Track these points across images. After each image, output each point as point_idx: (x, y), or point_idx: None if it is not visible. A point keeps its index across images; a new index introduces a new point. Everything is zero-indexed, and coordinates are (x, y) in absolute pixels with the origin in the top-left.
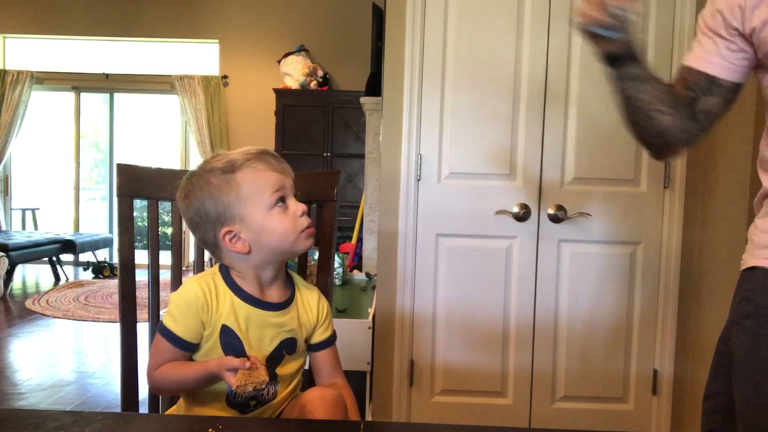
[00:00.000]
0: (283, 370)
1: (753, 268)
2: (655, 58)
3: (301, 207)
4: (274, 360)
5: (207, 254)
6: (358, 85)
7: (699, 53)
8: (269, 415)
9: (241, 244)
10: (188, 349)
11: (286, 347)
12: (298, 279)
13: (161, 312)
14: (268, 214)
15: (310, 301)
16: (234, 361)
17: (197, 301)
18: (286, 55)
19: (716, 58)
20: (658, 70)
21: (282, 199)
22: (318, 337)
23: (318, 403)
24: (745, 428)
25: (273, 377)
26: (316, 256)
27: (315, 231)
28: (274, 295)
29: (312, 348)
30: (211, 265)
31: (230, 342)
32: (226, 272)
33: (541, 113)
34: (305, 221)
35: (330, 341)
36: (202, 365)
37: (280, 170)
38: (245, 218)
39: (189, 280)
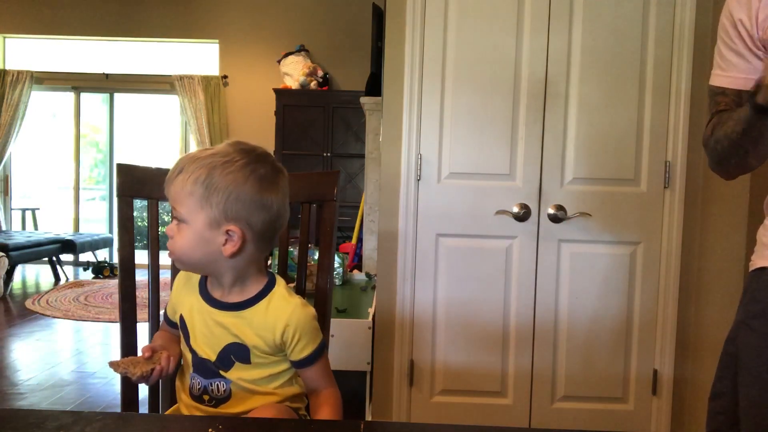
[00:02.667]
0: (236, 374)
1: (762, 269)
2: (655, 56)
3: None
4: (221, 362)
5: None
6: (358, 85)
7: (734, 73)
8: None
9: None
10: (169, 324)
11: (234, 353)
12: (279, 291)
13: (161, 312)
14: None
15: (277, 317)
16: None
17: (176, 282)
18: (286, 55)
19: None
20: (658, 68)
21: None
22: (296, 356)
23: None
24: (749, 429)
25: (216, 375)
26: (316, 256)
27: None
28: (233, 296)
29: (294, 365)
30: None
31: (183, 331)
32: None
33: (541, 113)
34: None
35: (312, 359)
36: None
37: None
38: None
39: None
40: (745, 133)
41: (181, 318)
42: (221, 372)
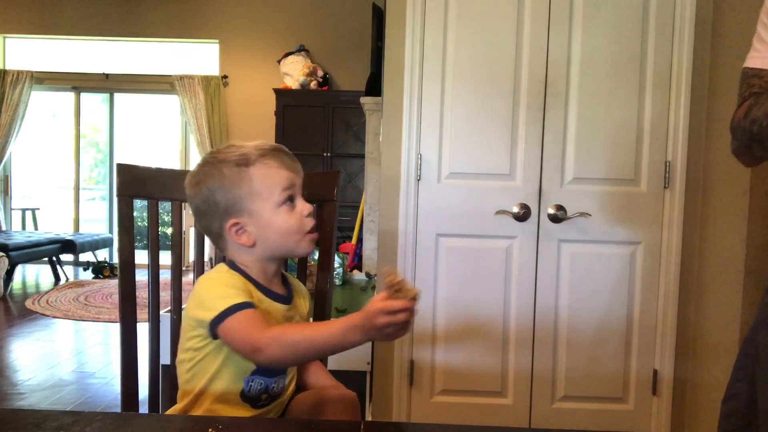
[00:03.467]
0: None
1: None
2: (655, 56)
3: (308, 207)
4: None
5: (207, 255)
6: (358, 85)
7: None
8: (278, 409)
9: (246, 237)
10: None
11: None
12: (289, 277)
13: (161, 312)
14: (276, 211)
15: (303, 296)
16: (395, 304)
17: (236, 281)
18: (286, 55)
19: None
20: (658, 67)
21: (291, 198)
22: None
23: (338, 405)
24: None
25: (284, 371)
26: (316, 256)
27: (317, 237)
28: (277, 289)
29: None
30: (212, 266)
31: None
32: (232, 266)
33: (541, 113)
34: (311, 222)
35: None
36: (340, 321)
37: (292, 169)
38: (253, 213)
39: (210, 273)
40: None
41: None
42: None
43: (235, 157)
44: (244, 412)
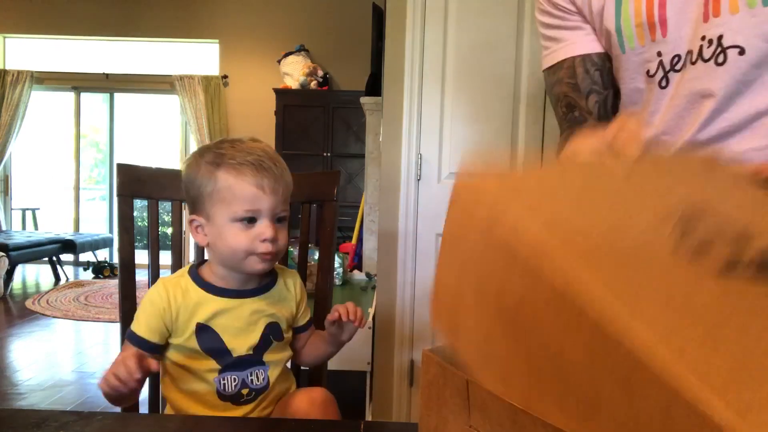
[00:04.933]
0: (272, 356)
1: None
2: None
3: (269, 233)
4: (261, 348)
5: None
6: (358, 85)
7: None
8: (267, 405)
9: (202, 237)
10: (151, 349)
11: (273, 333)
12: (280, 266)
13: None
14: (229, 224)
15: (293, 284)
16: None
17: (160, 302)
18: (286, 55)
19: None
20: None
21: (251, 219)
22: (302, 321)
23: (307, 405)
24: None
25: (260, 363)
26: (316, 256)
27: (274, 256)
28: (250, 283)
29: (297, 330)
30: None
31: (207, 339)
32: (194, 270)
33: (542, 113)
34: (266, 248)
35: (310, 323)
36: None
37: (265, 190)
38: (210, 216)
39: (158, 281)
40: None
41: (202, 327)
42: (261, 358)
43: (213, 154)
44: (231, 411)
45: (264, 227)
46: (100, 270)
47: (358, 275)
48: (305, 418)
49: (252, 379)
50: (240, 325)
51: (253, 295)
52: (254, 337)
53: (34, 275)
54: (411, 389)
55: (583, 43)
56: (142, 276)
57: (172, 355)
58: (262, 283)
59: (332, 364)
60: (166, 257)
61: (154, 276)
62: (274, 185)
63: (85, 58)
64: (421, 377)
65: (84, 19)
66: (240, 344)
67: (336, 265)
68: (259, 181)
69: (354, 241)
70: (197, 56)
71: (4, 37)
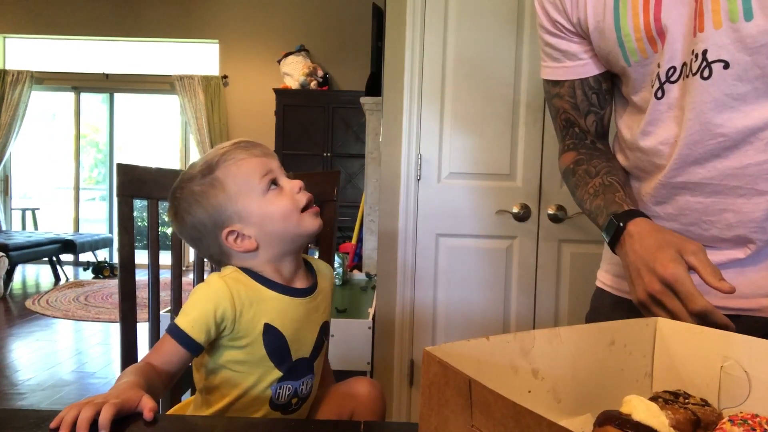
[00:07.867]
0: (318, 362)
1: None
2: None
3: (297, 183)
4: (316, 350)
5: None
6: (358, 85)
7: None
8: (303, 410)
9: (248, 241)
10: (191, 347)
11: (324, 333)
12: (311, 259)
13: (161, 312)
14: (263, 201)
15: (326, 277)
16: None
17: (221, 298)
18: (286, 55)
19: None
20: None
21: (274, 182)
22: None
23: (369, 401)
24: None
25: (311, 371)
26: (316, 256)
27: (318, 210)
28: (300, 283)
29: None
30: (211, 267)
31: (272, 341)
32: (243, 270)
33: (542, 113)
34: (303, 197)
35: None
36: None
37: (260, 154)
38: (242, 213)
39: (211, 276)
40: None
41: (268, 328)
42: (313, 364)
43: (199, 168)
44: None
45: (288, 182)
46: (100, 270)
47: (358, 275)
48: (305, 419)
49: (302, 388)
50: (299, 326)
51: (307, 294)
52: (312, 338)
53: (34, 275)
54: (411, 389)
55: (581, 68)
56: (142, 276)
57: (220, 358)
58: (310, 284)
59: (332, 364)
60: (166, 257)
61: (154, 276)
62: (265, 150)
63: (85, 58)
64: (421, 376)
65: (84, 19)
66: (299, 347)
67: (336, 265)
68: (252, 151)
69: (354, 241)
70: (197, 56)
71: (4, 37)
